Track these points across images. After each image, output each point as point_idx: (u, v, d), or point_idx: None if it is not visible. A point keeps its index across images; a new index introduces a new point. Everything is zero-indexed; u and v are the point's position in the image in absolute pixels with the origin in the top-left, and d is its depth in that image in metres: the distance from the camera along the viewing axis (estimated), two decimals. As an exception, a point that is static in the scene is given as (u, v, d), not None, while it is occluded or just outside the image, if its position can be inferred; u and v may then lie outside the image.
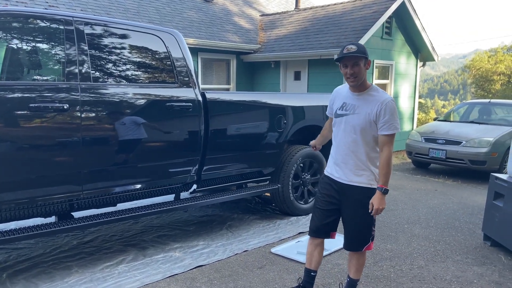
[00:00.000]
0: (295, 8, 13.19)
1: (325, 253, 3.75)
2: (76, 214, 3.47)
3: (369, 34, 9.04)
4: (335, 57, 8.61)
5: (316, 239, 2.82)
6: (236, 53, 10.76)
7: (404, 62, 10.67)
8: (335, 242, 4.01)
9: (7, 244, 3.78)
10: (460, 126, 7.95)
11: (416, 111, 11.36)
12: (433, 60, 11.08)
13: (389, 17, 9.77)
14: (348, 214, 2.69)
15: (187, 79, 3.91)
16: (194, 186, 4.13)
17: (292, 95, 5.28)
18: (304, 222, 4.68)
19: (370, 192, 2.61)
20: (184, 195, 4.24)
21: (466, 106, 9.05)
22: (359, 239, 2.71)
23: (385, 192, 2.54)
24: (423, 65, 11.34)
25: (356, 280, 2.85)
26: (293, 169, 4.72)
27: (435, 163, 7.85)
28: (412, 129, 10.97)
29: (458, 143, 7.40)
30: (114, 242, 4.00)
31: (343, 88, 2.78)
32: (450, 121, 8.54)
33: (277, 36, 11.07)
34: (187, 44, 9.74)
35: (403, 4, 9.78)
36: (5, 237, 2.91)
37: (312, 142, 3.32)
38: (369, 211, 2.56)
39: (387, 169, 2.55)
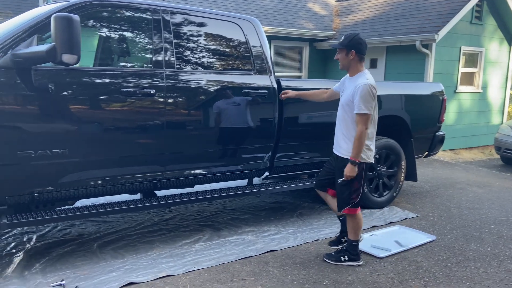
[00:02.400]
0: (373, -7, 12.58)
1: (402, 249, 3.63)
2: (159, 193, 3.69)
3: (457, 18, 8.37)
4: (417, 43, 8.18)
5: (320, 191, 3.54)
6: (310, 40, 10.58)
7: (496, 49, 9.74)
8: (413, 239, 3.85)
9: (97, 217, 4.15)
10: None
11: (507, 103, 10.36)
12: (530, 46, 9.98)
13: (480, 0, 8.94)
14: (336, 179, 3.27)
15: (263, 66, 3.94)
16: (267, 173, 4.18)
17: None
18: (378, 215, 4.53)
19: (346, 162, 3.12)
20: (256, 181, 4.32)
21: None
22: (340, 201, 3.24)
23: (353, 163, 3.07)
24: (518, 52, 10.25)
25: (351, 241, 3.31)
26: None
27: (527, 160, 7.13)
28: (502, 122, 10.04)
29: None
30: (191, 222, 4.20)
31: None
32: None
33: (353, 22, 10.68)
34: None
35: (497, -15, 8.89)
36: (95, 211, 3.19)
37: (287, 90, 3.76)
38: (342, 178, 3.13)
39: (357, 143, 3.05)
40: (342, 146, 3.19)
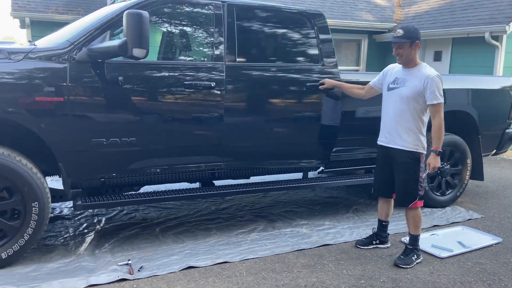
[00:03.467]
0: (438, -18, 11.94)
1: (465, 250, 3.47)
2: (217, 183, 3.82)
3: (533, 7, 7.73)
4: (486, 35, 7.67)
5: (383, 198, 3.44)
6: (369, 32, 10.29)
7: None
8: (477, 240, 3.67)
9: (159, 204, 4.37)
10: None
11: None
12: None
13: (562, -14, 8.17)
14: (397, 174, 3.20)
15: (331, 59, 3.89)
16: (322, 167, 4.16)
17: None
18: (440, 215, 4.35)
19: (413, 155, 3.12)
20: (311, 174, 4.31)
21: None
22: (404, 196, 3.18)
23: (438, 153, 3.05)
24: None
25: (415, 236, 3.26)
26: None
27: None
28: None
29: None
30: (246, 212, 4.30)
31: (396, 65, 3.27)
32: None
33: (416, 13, 10.22)
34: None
35: None
36: (158, 197, 3.38)
37: (328, 80, 3.70)
38: (426, 170, 3.12)
39: (439, 133, 3.05)
40: (406, 139, 3.13)
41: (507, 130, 4.98)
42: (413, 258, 3.20)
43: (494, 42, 7.80)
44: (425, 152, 3.17)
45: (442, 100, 3.04)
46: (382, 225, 3.52)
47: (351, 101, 3.97)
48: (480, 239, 3.72)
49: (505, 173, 6.41)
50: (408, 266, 3.16)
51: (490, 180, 5.87)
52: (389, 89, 3.24)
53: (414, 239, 3.27)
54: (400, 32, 3.09)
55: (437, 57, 9.42)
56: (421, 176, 3.15)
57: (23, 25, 9.64)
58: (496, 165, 6.91)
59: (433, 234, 3.82)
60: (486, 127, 4.79)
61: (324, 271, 3.08)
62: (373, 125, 4.12)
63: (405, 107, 3.11)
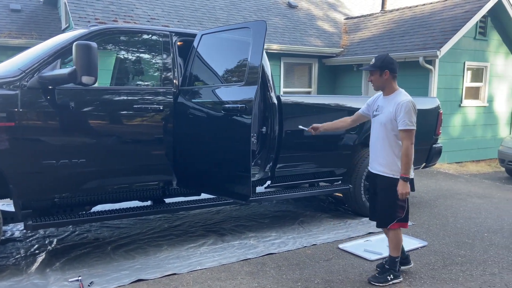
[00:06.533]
0: (381, 10, 12.95)
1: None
2: (168, 200, 4.03)
3: (459, 35, 8.62)
4: (421, 59, 8.44)
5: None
6: (318, 57, 10.95)
7: (501, 63, 9.90)
8: (405, 244, 4.05)
9: (112, 223, 4.50)
10: None
11: (515, 116, 10.45)
12: (536, 60, 10.12)
13: (484, 16, 9.18)
14: (378, 197, 3.31)
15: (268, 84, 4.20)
16: (268, 182, 4.48)
17: (365, 98, 5.36)
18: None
19: (389, 180, 3.19)
20: (259, 189, 4.62)
21: None
22: (383, 217, 3.28)
23: (405, 179, 3.12)
24: (525, 66, 10.38)
25: (393, 257, 3.31)
26: (366, 171, 4.82)
27: (531, 172, 7.22)
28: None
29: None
30: (198, 228, 4.51)
31: (380, 93, 3.39)
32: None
33: (361, 39, 11.01)
34: (271, 49, 10.17)
35: (499, 2, 9.12)
36: (107, 215, 3.56)
37: (315, 125, 3.70)
38: (397, 196, 3.13)
39: (406, 159, 3.11)
40: (384, 165, 3.22)
41: (434, 145, 5.54)
42: (388, 277, 3.25)
43: (427, 65, 8.59)
44: (412, 176, 3.21)
45: (412, 127, 3.10)
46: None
47: (293, 120, 4.32)
48: (409, 243, 4.13)
49: (439, 184, 7.01)
50: (379, 284, 3.22)
51: (425, 191, 6.43)
52: (373, 116, 3.37)
53: (392, 260, 3.30)
54: (372, 61, 3.26)
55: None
56: (399, 199, 3.16)
57: (-26, 50, 9.51)
58: (432, 178, 7.53)
59: (367, 240, 4.21)
60: (417, 143, 5.26)
61: (266, 277, 3.35)
62: (314, 143, 4.53)
63: (383, 134, 3.21)
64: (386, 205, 3.24)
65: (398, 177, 3.15)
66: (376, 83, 3.26)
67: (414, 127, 3.13)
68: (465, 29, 8.66)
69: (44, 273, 3.31)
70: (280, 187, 4.94)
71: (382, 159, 3.24)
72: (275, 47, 9.86)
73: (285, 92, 10.45)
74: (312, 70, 11.17)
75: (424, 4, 10.81)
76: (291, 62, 10.76)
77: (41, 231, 4.22)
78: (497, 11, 9.34)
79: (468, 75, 9.39)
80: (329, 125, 3.72)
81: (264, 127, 4.23)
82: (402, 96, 3.21)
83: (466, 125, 9.45)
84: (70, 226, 4.33)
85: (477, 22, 9.03)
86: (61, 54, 3.34)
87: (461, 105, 9.24)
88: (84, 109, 3.35)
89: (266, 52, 4.49)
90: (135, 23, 8.80)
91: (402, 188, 3.12)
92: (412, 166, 3.24)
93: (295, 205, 5.51)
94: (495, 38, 9.66)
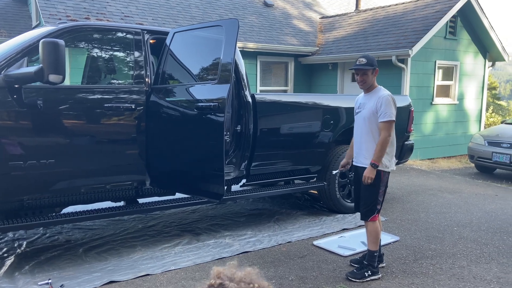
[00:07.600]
0: (355, 10, 13.12)
1: (365, 248, 3.90)
2: (141, 200, 3.98)
3: (430, 34, 8.83)
4: (393, 58, 8.61)
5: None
6: (294, 55, 11.01)
7: (471, 62, 10.21)
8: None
9: (84, 224, 4.41)
10: (528, 129, 7.51)
11: (484, 113, 10.80)
12: (503, 60, 10.51)
13: (454, 16, 9.44)
14: (361, 190, 3.38)
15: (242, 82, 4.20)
16: (244, 180, 4.48)
17: (339, 96, 5.45)
18: (350, 220, 4.83)
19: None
20: (235, 188, 4.61)
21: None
22: (365, 210, 3.35)
23: (373, 166, 3.23)
24: (493, 65, 10.75)
25: (372, 252, 3.37)
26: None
27: (499, 168, 7.49)
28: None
29: (524, 147, 7.01)
30: (173, 228, 4.47)
31: (362, 93, 3.53)
32: (519, 124, 8.08)
33: (335, 38, 11.14)
34: (247, 48, 10.17)
35: (468, 2, 9.39)
36: (77, 217, 3.48)
37: (343, 162, 3.76)
38: (378, 189, 3.25)
39: (380, 147, 3.23)
40: (368, 158, 3.29)
41: (406, 142, 5.67)
42: (365, 273, 3.29)
43: (400, 64, 8.77)
44: (387, 170, 3.32)
45: (391, 118, 3.22)
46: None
47: (267, 119, 4.35)
48: (381, 238, 4.21)
49: (412, 180, 7.18)
50: (356, 280, 3.26)
51: (398, 187, 6.57)
52: (356, 113, 3.50)
53: (371, 255, 3.35)
54: (363, 60, 3.31)
55: (354, 78, 10.31)
56: (380, 192, 3.31)
57: None
58: (405, 174, 7.70)
59: (341, 236, 4.27)
60: (389, 140, 5.41)
61: (240, 275, 3.35)
62: (289, 141, 4.57)
63: (366, 128, 3.33)
64: (367, 198, 3.33)
65: (382, 169, 3.27)
66: (369, 81, 3.34)
67: (393, 119, 3.25)
68: (435, 28, 8.88)
69: (12, 277, 3.21)
70: (256, 185, 4.95)
71: (366, 152, 3.34)
72: (251, 45, 9.87)
73: (261, 91, 10.48)
74: (289, 69, 11.23)
75: (396, 4, 11.03)
76: (268, 61, 10.79)
77: (10, 234, 4.09)
78: (466, 11, 9.63)
79: (439, 73, 9.64)
80: (348, 152, 3.71)
81: (239, 126, 4.23)
82: (382, 91, 3.37)
83: (438, 122, 9.70)
84: (41, 228, 4.22)
85: (447, 22, 9.28)
86: (28, 52, 3.25)
87: (433, 102, 9.48)
88: (53, 108, 3.27)
89: (242, 51, 4.51)
90: (108, 20, 8.63)
91: (368, 172, 3.23)
92: (394, 159, 3.41)
93: (272, 203, 5.53)
94: (464, 37, 9.95)
